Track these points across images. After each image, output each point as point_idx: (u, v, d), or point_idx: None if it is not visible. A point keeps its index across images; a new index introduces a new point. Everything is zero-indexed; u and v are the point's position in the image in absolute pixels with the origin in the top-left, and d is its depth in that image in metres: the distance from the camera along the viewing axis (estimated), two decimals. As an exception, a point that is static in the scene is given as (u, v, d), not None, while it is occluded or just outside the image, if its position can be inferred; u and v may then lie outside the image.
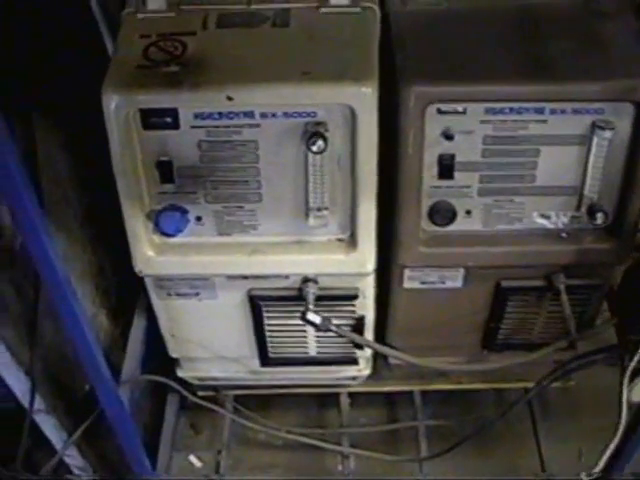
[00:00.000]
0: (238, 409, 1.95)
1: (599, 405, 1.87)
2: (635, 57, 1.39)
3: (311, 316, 1.49)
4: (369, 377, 1.87)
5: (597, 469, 1.55)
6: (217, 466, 1.98)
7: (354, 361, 1.77)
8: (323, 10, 1.42)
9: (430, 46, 1.42)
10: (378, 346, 1.62)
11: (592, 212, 1.47)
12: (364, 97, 1.31)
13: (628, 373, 1.42)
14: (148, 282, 1.57)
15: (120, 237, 1.47)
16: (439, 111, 1.37)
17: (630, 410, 1.45)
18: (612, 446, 1.50)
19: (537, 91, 1.37)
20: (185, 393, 1.81)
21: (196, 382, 1.88)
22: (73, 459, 1.69)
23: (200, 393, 1.94)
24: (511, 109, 1.38)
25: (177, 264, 1.50)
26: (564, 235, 1.53)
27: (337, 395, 2.04)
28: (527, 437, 2.01)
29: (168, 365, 1.84)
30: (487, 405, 2.08)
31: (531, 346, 1.68)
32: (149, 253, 1.48)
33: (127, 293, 1.78)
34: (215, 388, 1.94)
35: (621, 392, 1.44)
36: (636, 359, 1.40)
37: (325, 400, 2.10)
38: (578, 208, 1.49)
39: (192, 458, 2.02)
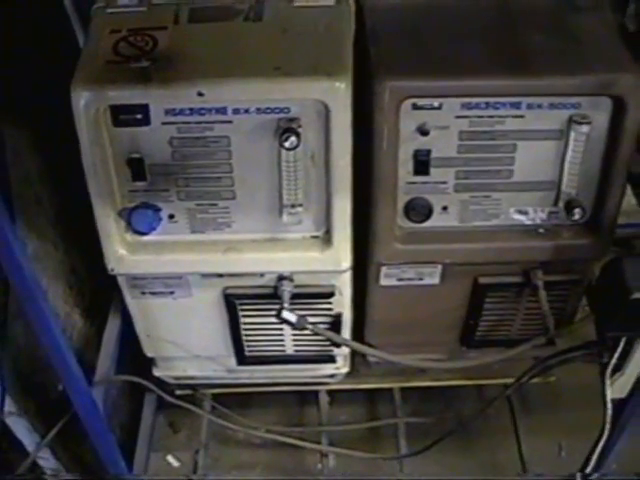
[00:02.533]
0: (216, 408, 1.94)
1: (578, 400, 1.88)
2: (611, 51, 1.38)
3: (286, 314, 1.47)
4: (348, 374, 1.86)
5: (588, 469, 1.55)
6: (195, 466, 1.96)
7: (332, 359, 1.75)
8: (297, 3, 1.40)
9: (405, 40, 1.40)
10: (355, 344, 1.61)
11: (570, 208, 1.46)
12: (337, 92, 1.29)
13: (609, 370, 1.41)
14: (121, 281, 1.55)
15: (93, 235, 1.45)
16: (414, 106, 1.36)
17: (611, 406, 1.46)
18: (600, 444, 1.50)
19: (513, 86, 1.35)
20: (161, 393, 1.79)
21: (173, 381, 1.86)
22: (46, 461, 1.67)
23: (178, 392, 1.92)
24: (487, 104, 1.36)
25: (150, 263, 1.48)
26: (542, 231, 1.52)
27: (317, 392, 2.03)
28: (507, 432, 2.00)
29: (145, 364, 1.81)
30: (467, 401, 2.08)
31: (510, 342, 1.67)
32: (121, 252, 1.46)
33: (102, 292, 1.76)
34: (193, 387, 1.92)
35: (604, 389, 1.43)
36: (616, 356, 1.40)
37: (305, 397, 2.09)
38: (556, 204, 1.48)
39: (170, 458, 2.00)
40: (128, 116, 1.32)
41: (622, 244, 1.68)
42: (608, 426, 1.47)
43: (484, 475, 1.97)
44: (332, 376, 1.86)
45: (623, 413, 1.52)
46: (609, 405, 1.45)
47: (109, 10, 1.40)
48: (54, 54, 1.58)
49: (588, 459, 1.54)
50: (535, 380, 1.67)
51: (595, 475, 1.61)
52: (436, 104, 1.36)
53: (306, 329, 1.50)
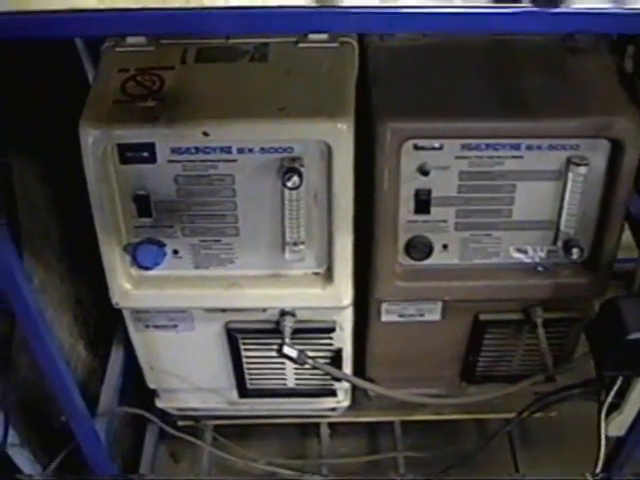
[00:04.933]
0: (217, 439, 1.94)
1: (580, 434, 1.86)
2: (610, 94, 1.40)
3: (287, 350, 1.49)
4: (349, 407, 1.86)
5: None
6: (195, 497, 1.97)
7: (333, 393, 1.76)
8: (301, 45, 1.42)
9: (407, 82, 1.42)
10: (355, 379, 1.62)
11: (568, 247, 1.47)
12: (339, 133, 1.31)
13: (604, 409, 1.42)
14: (125, 314, 1.57)
15: (99, 267, 1.46)
16: (415, 147, 1.38)
17: (607, 444, 1.46)
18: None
19: (513, 128, 1.37)
20: (162, 425, 1.80)
21: (175, 412, 1.87)
22: (49, 492, 1.68)
23: (180, 423, 1.93)
24: (487, 145, 1.38)
25: (154, 297, 1.50)
26: (541, 269, 1.53)
27: (318, 425, 2.03)
28: (507, 466, 2.00)
29: (148, 395, 1.83)
30: (468, 434, 2.08)
31: (510, 378, 1.68)
32: (126, 286, 1.48)
33: (106, 323, 1.78)
34: (195, 418, 1.93)
35: (599, 427, 1.44)
36: (611, 395, 1.41)
37: (305, 429, 2.09)
38: (554, 243, 1.49)
39: (171, 489, 2.01)
40: (135, 154, 1.34)
41: (622, 278, 1.69)
42: (601, 463, 1.48)
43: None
44: (333, 409, 1.86)
45: (621, 452, 1.53)
46: (603, 443, 1.45)
47: (118, 49, 1.43)
48: (64, 89, 1.61)
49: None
50: (536, 415, 1.68)
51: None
52: (437, 145, 1.38)
53: (307, 364, 1.52)
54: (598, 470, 1.46)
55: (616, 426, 1.46)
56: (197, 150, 1.34)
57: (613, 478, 1.56)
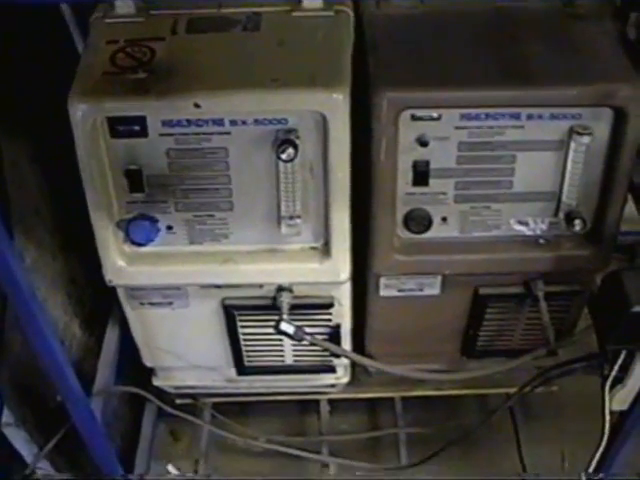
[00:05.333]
0: (216, 417, 1.93)
1: (581, 408, 1.86)
2: (612, 61, 1.37)
3: (285, 326, 1.46)
4: (349, 384, 1.85)
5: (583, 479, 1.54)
6: (195, 475, 1.95)
7: (332, 369, 1.75)
8: (295, 14, 1.39)
9: (404, 50, 1.39)
10: (354, 355, 1.59)
11: (570, 219, 1.45)
12: (335, 103, 1.28)
13: (608, 383, 1.40)
14: (120, 292, 1.55)
15: (93, 245, 1.44)
16: (413, 117, 1.35)
17: (611, 418, 1.45)
18: (597, 456, 1.49)
19: (513, 97, 1.34)
20: (160, 404, 1.78)
21: (173, 390, 1.86)
22: (45, 471, 1.66)
23: (178, 401, 1.92)
24: (487, 115, 1.35)
25: (148, 274, 1.47)
26: (542, 242, 1.50)
27: (317, 401, 2.02)
28: (509, 441, 1.98)
29: (145, 373, 1.81)
30: (469, 409, 2.07)
31: (511, 352, 1.66)
32: (120, 263, 1.45)
33: (102, 302, 1.75)
34: (193, 396, 1.91)
35: (603, 401, 1.42)
36: (615, 369, 1.38)
37: (305, 406, 2.08)
38: (556, 214, 1.47)
39: (170, 467, 1.99)
40: (125, 128, 1.31)
41: (625, 251, 1.67)
42: (606, 438, 1.46)
43: (486, 485, 1.96)
44: (333, 386, 1.85)
45: (624, 425, 1.51)
46: (607, 418, 1.44)
47: (107, 20, 1.40)
48: (53, 64, 1.57)
49: (586, 471, 1.52)
50: (538, 390, 1.66)
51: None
52: (435, 115, 1.35)
53: (304, 340, 1.49)
54: (603, 444, 1.43)
55: (619, 400, 1.44)
56: (189, 123, 1.31)
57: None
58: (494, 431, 1.97)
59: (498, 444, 2.00)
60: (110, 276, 1.47)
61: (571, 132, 1.36)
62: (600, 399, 1.43)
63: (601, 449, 1.46)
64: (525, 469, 1.92)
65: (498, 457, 2.00)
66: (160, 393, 1.85)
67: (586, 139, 1.36)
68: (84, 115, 1.28)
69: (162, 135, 1.32)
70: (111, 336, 1.74)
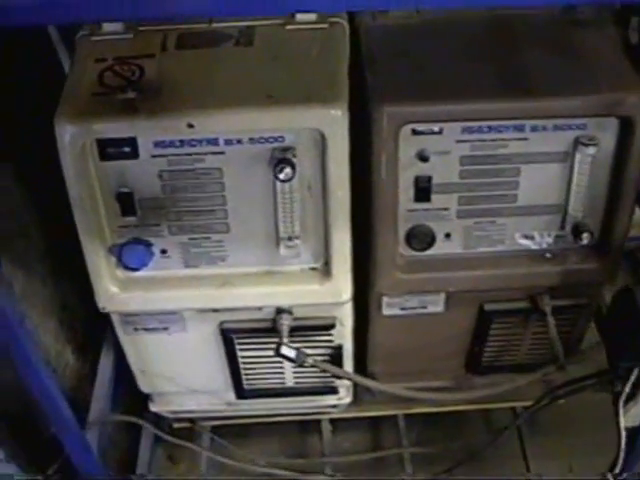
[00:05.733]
0: (215, 440, 1.88)
1: (588, 421, 1.84)
2: (616, 68, 1.33)
3: (285, 350, 1.42)
4: (351, 403, 1.80)
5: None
6: (195, 500, 1.90)
7: (334, 390, 1.70)
8: (289, 27, 1.35)
9: (402, 62, 1.35)
10: (357, 377, 1.56)
11: (577, 231, 1.41)
12: (333, 120, 1.24)
13: (622, 400, 1.37)
14: (114, 317, 1.50)
15: (84, 270, 1.39)
16: (414, 132, 1.31)
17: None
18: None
19: (517, 108, 1.30)
20: (157, 432, 1.74)
21: (170, 415, 1.81)
22: (40, 505, 1.61)
23: (176, 425, 1.87)
24: (489, 127, 1.31)
25: (143, 299, 1.43)
26: (549, 256, 1.47)
27: (319, 421, 1.97)
28: (515, 457, 1.94)
29: (141, 398, 1.76)
30: (474, 425, 2.02)
31: (517, 367, 1.63)
32: (113, 289, 1.40)
33: (95, 327, 1.71)
34: (191, 420, 1.87)
35: (617, 420, 1.39)
36: (628, 386, 1.35)
37: (307, 426, 2.03)
38: (562, 227, 1.43)
39: (169, 492, 1.95)
40: (115, 150, 1.26)
41: (630, 257, 1.63)
42: (622, 455, 1.43)
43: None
44: (334, 406, 1.81)
45: (637, 441, 1.47)
46: (623, 434, 1.40)
47: (94, 38, 1.35)
48: (39, 82, 1.53)
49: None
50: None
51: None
52: (436, 129, 1.31)
53: (306, 363, 1.45)
54: (618, 466, 1.39)
55: (632, 416, 1.41)
56: (182, 143, 1.26)
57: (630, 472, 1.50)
58: (500, 446, 1.92)
59: (504, 459, 1.95)
60: (103, 303, 1.42)
61: (576, 143, 1.33)
62: (607, 412, 1.40)
63: (619, 467, 1.42)
64: (532, 485, 1.89)
65: (504, 471, 1.95)
66: (157, 419, 1.81)
67: (592, 150, 1.32)
68: (72, 138, 1.23)
69: (154, 156, 1.28)
70: (105, 362, 1.70)
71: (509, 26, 1.41)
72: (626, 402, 1.39)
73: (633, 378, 1.34)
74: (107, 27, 1.35)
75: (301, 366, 1.50)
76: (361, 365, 1.69)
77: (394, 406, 1.92)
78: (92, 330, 1.73)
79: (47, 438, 1.54)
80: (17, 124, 1.48)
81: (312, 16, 1.35)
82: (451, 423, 2.00)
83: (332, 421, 1.97)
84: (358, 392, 1.81)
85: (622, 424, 1.39)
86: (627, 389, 1.36)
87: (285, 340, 1.44)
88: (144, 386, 1.67)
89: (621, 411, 1.37)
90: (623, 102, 1.28)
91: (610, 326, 1.32)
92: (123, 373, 1.68)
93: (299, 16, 1.35)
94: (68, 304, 1.68)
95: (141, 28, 1.35)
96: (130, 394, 1.75)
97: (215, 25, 1.36)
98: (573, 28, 1.40)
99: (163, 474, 2.02)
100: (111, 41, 1.34)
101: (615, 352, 1.32)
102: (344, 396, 1.74)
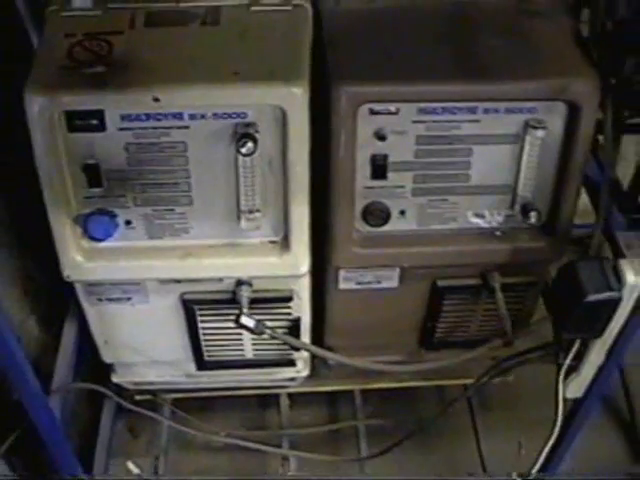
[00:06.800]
0: (176, 412, 1.92)
1: (537, 398, 1.88)
2: (566, 56, 1.39)
3: (245, 320, 1.47)
4: (309, 377, 1.86)
5: (535, 468, 1.57)
6: (155, 472, 1.94)
7: (292, 363, 1.75)
8: (254, 8, 1.39)
9: (362, 45, 1.40)
10: (314, 348, 1.61)
11: (526, 211, 1.47)
12: (294, 98, 1.28)
13: (563, 371, 1.43)
14: (78, 287, 1.53)
15: (50, 241, 1.42)
16: (371, 111, 1.36)
17: (565, 406, 1.47)
18: (550, 443, 1.52)
19: (470, 91, 1.36)
20: (119, 400, 1.77)
21: (132, 387, 1.84)
22: (1, 472, 1.64)
23: (137, 397, 1.90)
24: (444, 109, 1.37)
25: (107, 269, 1.46)
26: (499, 234, 1.53)
27: (277, 395, 2.02)
28: (466, 431, 2.02)
29: (103, 369, 1.79)
30: (427, 400, 2.09)
31: (468, 343, 1.68)
32: (77, 258, 1.44)
33: (59, 298, 1.73)
34: (152, 392, 1.90)
35: (557, 390, 1.45)
36: (570, 357, 1.41)
37: (265, 400, 2.08)
38: (512, 207, 1.49)
39: (129, 464, 1.97)
40: (83, 122, 1.30)
41: (578, 244, 1.70)
42: (559, 424, 1.49)
43: (444, 474, 1.98)
44: (293, 379, 1.85)
45: (578, 413, 1.54)
46: (561, 405, 1.46)
47: (63, 13, 1.38)
48: (6, 56, 1.55)
49: (538, 459, 1.55)
50: (494, 380, 1.68)
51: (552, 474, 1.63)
52: (393, 109, 1.36)
53: (265, 334, 1.50)
54: (555, 431, 1.46)
55: (574, 388, 1.47)
56: (148, 117, 1.30)
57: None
58: (452, 421, 1.99)
59: (456, 434, 2.03)
60: (68, 272, 1.46)
61: (526, 126, 1.38)
62: (554, 389, 1.46)
63: (555, 435, 1.48)
64: (482, 457, 1.95)
65: (456, 446, 2.02)
66: (119, 390, 1.84)
67: (541, 133, 1.38)
68: (41, 109, 1.26)
69: (121, 129, 1.31)
70: (69, 333, 1.72)
71: (467, 13, 1.46)
72: (569, 374, 1.45)
73: (575, 350, 1.40)
74: (76, 3, 1.38)
75: (260, 337, 1.55)
76: (319, 340, 1.73)
77: (351, 381, 1.98)
78: (56, 301, 1.75)
79: (12, 403, 1.57)
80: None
81: (276, -2, 1.40)
82: (406, 399, 2.06)
83: (290, 395, 2.02)
84: (316, 367, 1.86)
85: (561, 395, 1.45)
86: (568, 361, 1.42)
87: (245, 311, 1.49)
88: (107, 356, 1.70)
89: (561, 382, 1.43)
90: (570, 87, 1.34)
91: (554, 299, 1.38)
92: (86, 344, 1.71)
93: (264, -3, 1.39)
94: (33, 275, 1.70)
95: (110, 5, 1.39)
96: (92, 366, 1.78)
97: (183, 5, 1.39)
98: (528, 17, 1.46)
99: (124, 446, 2.05)
100: (80, 17, 1.37)
101: (558, 325, 1.37)
102: (302, 369, 1.79)
